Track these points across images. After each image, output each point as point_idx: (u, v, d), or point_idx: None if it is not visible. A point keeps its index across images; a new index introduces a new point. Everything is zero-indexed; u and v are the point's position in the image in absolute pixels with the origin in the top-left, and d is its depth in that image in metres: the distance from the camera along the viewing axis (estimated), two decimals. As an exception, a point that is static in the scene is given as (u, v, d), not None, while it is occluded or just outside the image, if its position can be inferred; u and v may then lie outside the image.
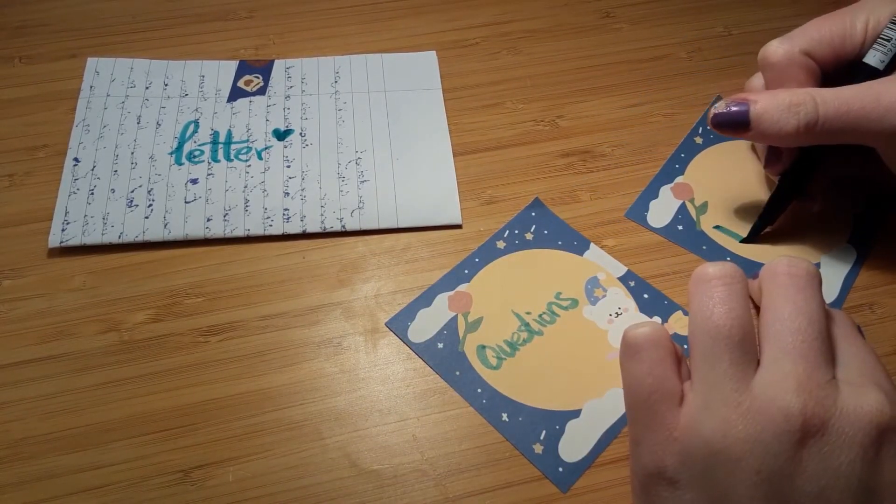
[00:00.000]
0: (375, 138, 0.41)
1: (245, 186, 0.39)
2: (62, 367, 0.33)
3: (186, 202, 0.38)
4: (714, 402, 0.23)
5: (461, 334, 0.35)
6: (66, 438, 0.31)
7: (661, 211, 0.39)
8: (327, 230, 0.38)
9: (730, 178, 0.40)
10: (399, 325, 0.35)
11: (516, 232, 0.38)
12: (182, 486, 0.30)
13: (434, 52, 0.45)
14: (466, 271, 0.37)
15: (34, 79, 0.44)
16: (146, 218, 0.38)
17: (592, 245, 0.37)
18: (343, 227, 0.38)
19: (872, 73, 0.33)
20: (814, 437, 0.22)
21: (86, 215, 0.38)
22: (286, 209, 0.38)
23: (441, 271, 0.37)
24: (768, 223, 0.37)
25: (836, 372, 0.24)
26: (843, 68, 0.34)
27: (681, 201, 0.39)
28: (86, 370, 0.33)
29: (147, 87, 0.43)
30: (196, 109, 0.42)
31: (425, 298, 0.36)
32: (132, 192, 0.39)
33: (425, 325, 0.35)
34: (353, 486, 0.30)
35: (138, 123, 0.41)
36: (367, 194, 0.39)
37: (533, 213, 0.38)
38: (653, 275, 0.37)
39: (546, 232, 0.38)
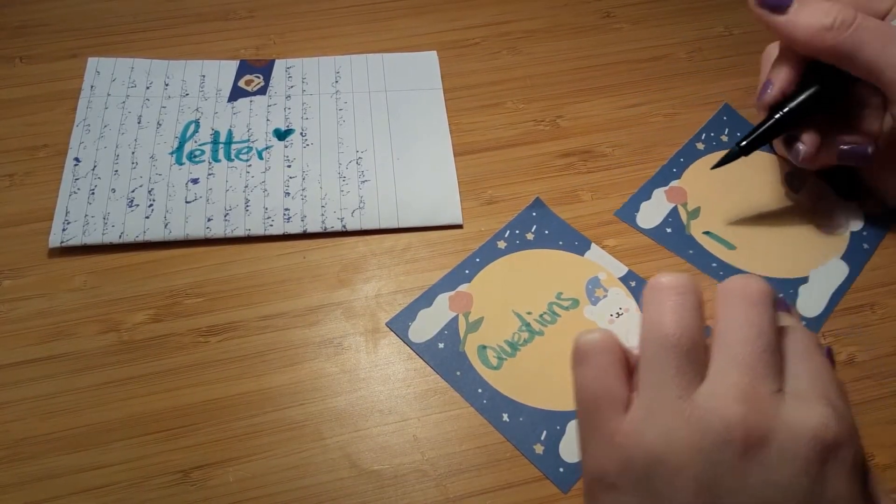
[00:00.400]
0: (376, 138, 0.41)
1: (246, 186, 0.39)
2: (62, 367, 0.33)
3: (187, 202, 0.38)
4: (658, 409, 0.23)
5: (462, 334, 0.35)
6: (66, 438, 0.31)
7: (652, 213, 0.39)
8: (328, 230, 0.38)
9: (727, 186, 0.40)
10: (399, 325, 0.35)
11: (517, 232, 0.38)
12: (182, 487, 0.30)
13: (434, 52, 0.45)
14: (467, 271, 0.37)
15: (34, 79, 0.44)
16: (147, 218, 0.38)
17: (593, 245, 0.37)
18: (344, 226, 0.38)
19: None
20: (755, 448, 0.21)
21: (86, 215, 0.38)
22: (287, 209, 0.38)
23: (442, 271, 0.37)
24: (745, 153, 0.36)
25: (784, 385, 0.23)
26: None
27: (673, 205, 0.39)
28: (86, 370, 0.33)
29: (148, 87, 0.43)
30: (197, 109, 0.42)
31: (426, 298, 0.36)
32: (133, 191, 0.39)
33: (426, 326, 0.35)
34: (354, 486, 0.30)
35: (139, 123, 0.41)
36: (368, 194, 0.39)
37: (534, 213, 0.38)
38: (654, 275, 0.36)
39: (547, 232, 0.38)
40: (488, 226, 0.38)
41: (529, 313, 0.35)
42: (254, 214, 0.38)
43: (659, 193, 0.40)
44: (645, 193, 0.40)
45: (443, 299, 0.36)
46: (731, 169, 0.39)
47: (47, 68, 0.44)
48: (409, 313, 0.35)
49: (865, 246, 0.38)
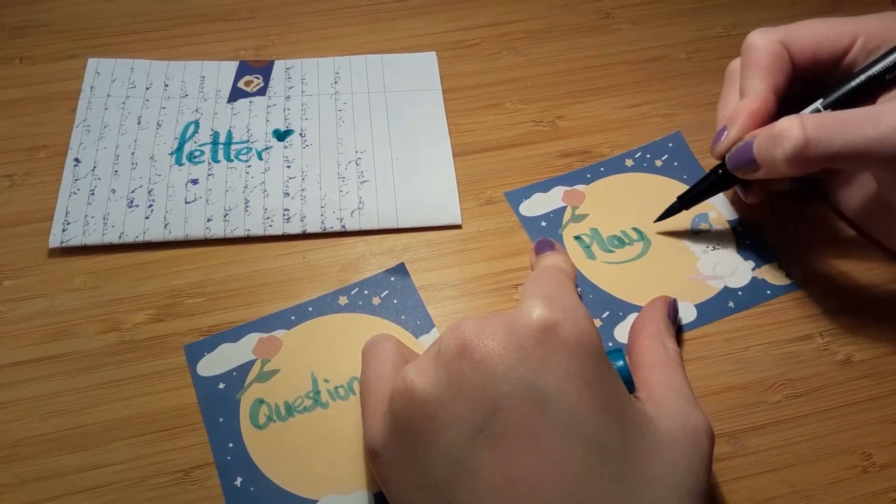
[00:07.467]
0: (375, 139, 0.41)
1: (245, 187, 0.39)
2: (62, 367, 0.33)
3: (187, 202, 0.38)
4: (411, 366, 0.26)
5: (248, 381, 0.33)
6: (66, 438, 0.31)
7: (540, 205, 0.38)
8: (327, 230, 0.38)
9: (630, 205, 0.38)
10: (195, 352, 0.33)
11: (366, 293, 0.35)
12: (182, 486, 0.30)
13: (434, 53, 0.45)
14: (293, 317, 0.34)
15: (34, 79, 0.44)
16: (146, 218, 0.38)
17: (434, 329, 0.34)
18: (343, 227, 0.38)
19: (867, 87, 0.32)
20: (469, 351, 0.24)
21: (86, 215, 0.38)
22: (286, 209, 0.38)
23: (440, 272, 0.36)
24: (686, 207, 0.36)
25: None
26: (829, 75, 0.33)
27: (565, 205, 0.38)
28: (86, 370, 0.33)
29: (147, 88, 0.43)
30: (196, 110, 0.42)
31: (234, 334, 0.34)
32: (133, 192, 0.39)
33: (219, 361, 0.33)
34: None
35: (139, 124, 0.41)
36: (367, 194, 0.39)
37: (392, 279, 0.36)
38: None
39: (395, 301, 0.35)
40: (487, 226, 0.38)
41: (327, 381, 0.32)
42: (253, 215, 0.38)
43: (559, 191, 0.39)
44: (546, 186, 0.39)
45: (251, 339, 0.34)
46: (642, 190, 0.39)
47: (47, 69, 0.44)
48: (210, 343, 0.33)
49: (730, 304, 0.35)
